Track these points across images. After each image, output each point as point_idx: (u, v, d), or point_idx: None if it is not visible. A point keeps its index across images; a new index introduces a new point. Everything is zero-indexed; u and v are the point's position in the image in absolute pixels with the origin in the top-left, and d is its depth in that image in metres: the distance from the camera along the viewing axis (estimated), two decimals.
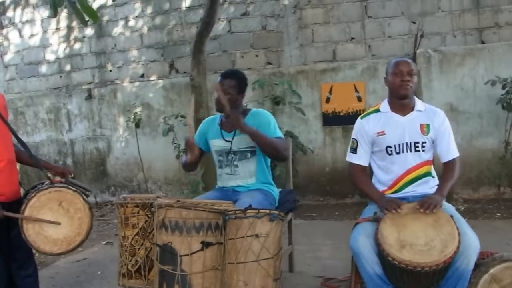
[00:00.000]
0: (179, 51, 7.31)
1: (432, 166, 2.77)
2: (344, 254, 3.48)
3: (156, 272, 2.44)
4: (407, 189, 2.69)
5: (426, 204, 2.41)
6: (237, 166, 3.07)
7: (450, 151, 2.71)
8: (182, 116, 6.46)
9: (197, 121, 5.76)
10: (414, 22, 6.29)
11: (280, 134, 3.07)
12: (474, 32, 6.23)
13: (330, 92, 6.42)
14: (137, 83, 7.46)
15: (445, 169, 2.71)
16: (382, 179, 2.76)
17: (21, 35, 8.22)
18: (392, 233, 2.33)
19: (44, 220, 2.58)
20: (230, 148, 3.06)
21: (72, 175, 2.89)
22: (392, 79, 2.68)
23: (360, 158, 2.78)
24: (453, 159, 2.70)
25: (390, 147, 2.70)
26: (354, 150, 2.79)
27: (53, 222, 2.59)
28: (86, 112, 7.75)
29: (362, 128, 2.77)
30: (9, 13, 8.25)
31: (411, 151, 2.68)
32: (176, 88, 7.17)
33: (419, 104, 2.76)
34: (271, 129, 3.02)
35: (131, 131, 7.28)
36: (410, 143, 2.67)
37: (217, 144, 3.13)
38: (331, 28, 6.65)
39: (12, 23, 8.24)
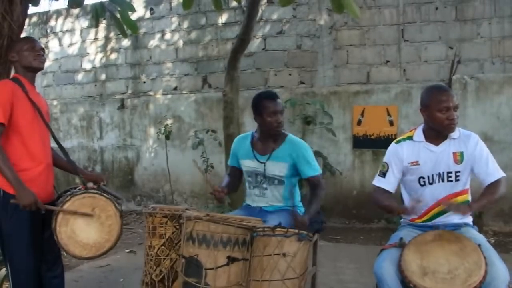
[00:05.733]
0: (212, 66, 7.38)
1: (469, 194, 2.68)
2: (367, 279, 3.41)
3: (179, 284, 2.44)
4: (437, 220, 2.61)
5: (452, 207, 2.40)
6: (266, 189, 3.03)
7: (490, 173, 2.57)
8: (213, 131, 6.51)
9: (227, 137, 5.85)
10: (451, 48, 6.19)
11: (315, 170, 2.98)
12: None
13: (362, 114, 6.37)
14: (169, 96, 7.57)
15: (485, 189, 2.57)
16: None
17: (60, 44, 8.47)
18: (415, 260, 2.27)
19: (80, 213, 2.63)
20: (264, 171, 3.01)
21: (105, 183, 2.94)
22: (437, 115, 2.53)
23: (387, 183, 2.68)
24: (495, 180, 2.56)
25: (423, 178, 2.62)
26: (383, 174, 2.70)
27: (87, 214, 2.64)
28: (118, 121, 7.90)
29: (396, 153, 2.68)
30: (52, 23, 8.53)
31: (443, 181, 2.60)
32: (208, 102, 7.25)
33: None
34: (310, 165, 2.95)
35: (160, 142, 7.37)
36: (443, 173, 2.59)
37: (248, 164, 3.08)
38: (366, 50, 6.61)
39: (53, 32, 8.51)
